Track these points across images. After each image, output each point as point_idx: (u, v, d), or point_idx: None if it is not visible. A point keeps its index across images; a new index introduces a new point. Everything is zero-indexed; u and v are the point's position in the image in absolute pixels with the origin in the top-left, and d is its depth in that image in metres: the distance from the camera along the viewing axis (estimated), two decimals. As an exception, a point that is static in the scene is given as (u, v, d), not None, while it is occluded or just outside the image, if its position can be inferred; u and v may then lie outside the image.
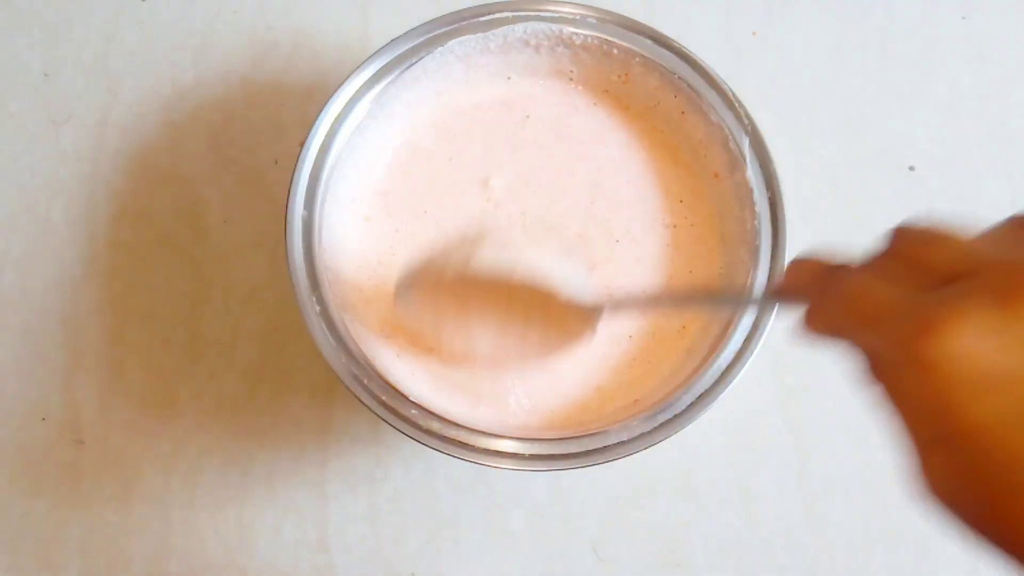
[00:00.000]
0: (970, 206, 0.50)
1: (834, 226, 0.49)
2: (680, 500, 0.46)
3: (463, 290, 0.36)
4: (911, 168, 0.51)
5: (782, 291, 0.26)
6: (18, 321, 0.46)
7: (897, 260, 0.21)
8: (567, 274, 0.35)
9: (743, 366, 0.38)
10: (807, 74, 0.53)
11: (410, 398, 0.37)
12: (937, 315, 0.18)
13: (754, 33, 0.53)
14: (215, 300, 0.47)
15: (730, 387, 0.38)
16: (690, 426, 0.37)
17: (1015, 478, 0.17)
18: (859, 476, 0.46)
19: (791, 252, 0.39)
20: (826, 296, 0.23)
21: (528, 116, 0.45)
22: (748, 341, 0.38)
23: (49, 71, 0.50)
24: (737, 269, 0.41)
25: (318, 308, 0.38)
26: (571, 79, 0.45)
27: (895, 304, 0.20)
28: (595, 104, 0.45)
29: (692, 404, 0.38)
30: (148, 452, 0.45)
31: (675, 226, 0.43)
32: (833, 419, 0.47)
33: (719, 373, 0.38)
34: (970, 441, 0.18)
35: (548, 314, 0.36)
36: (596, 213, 0.43)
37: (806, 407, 0.47)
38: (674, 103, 0.43)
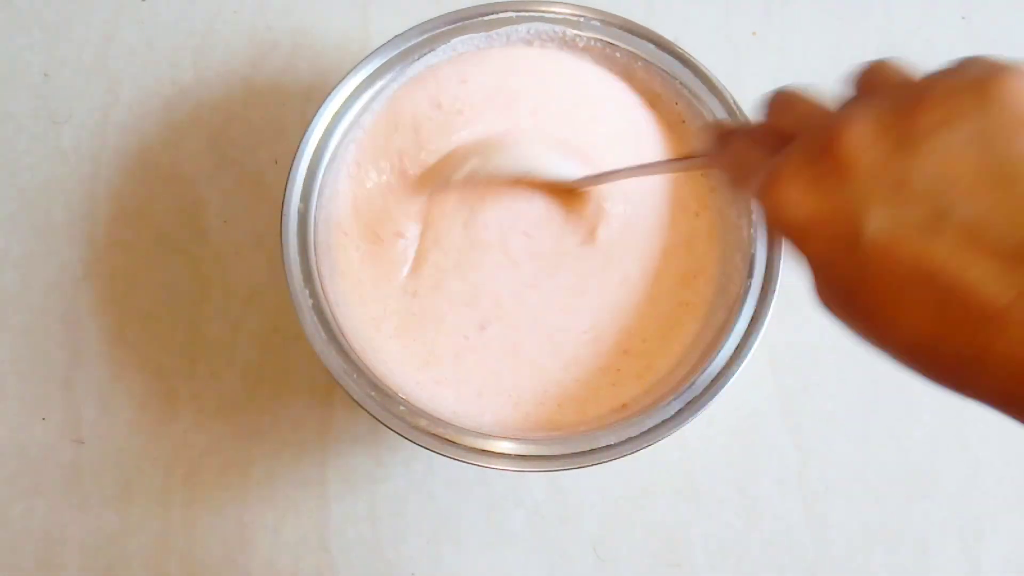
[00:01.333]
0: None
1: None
2: (680, 500, 0.46)
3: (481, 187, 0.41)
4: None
5: (699, 151, 0.32)
6: (18, 321, 0.46)
7: (773, 118, 0.27)
8: (551, 162, 0.41)
9: (737, 368, 0.38)
10: (807, 74, 0.53)
11: (399, 394, 0.37)
12: (777, 167, 0.23)
13: (754, 33, 0.53)
14: (215, 300, 0.47)
15: (724, 389, 0.38)
16: (690, 426, 0.37)
17: (849, 288, 0.23)
18: (859, 476, 0.46)
19: (786, 259, 0.39)
20: (723, 153, 0.29)
21: (527, 108, 0.44)
22: (742, 343, 0.38)
23: (49, 71, 0.50)
24: (731, 277, 0.41)
25: (311, 302, 0.38)
26: (572, 80, 0.45)
27: (754, 159, 0.26)
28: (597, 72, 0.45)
29: (685, 407, 0.37)
30: (148, 452, 0.45)
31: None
32: (833, 419, 0.47)
33: (713, 375, 0.38)
34: (812, 263, 0.23)
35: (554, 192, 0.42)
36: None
37: (806, 407, 0.47)
38: (675, 110, 0.43)
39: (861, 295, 0.22)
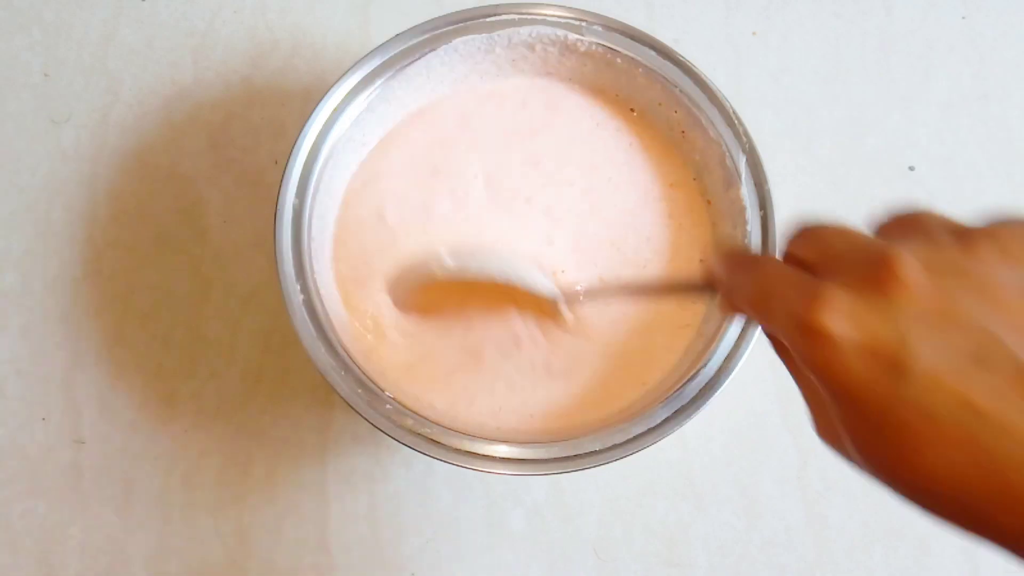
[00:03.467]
0: (970, 206, 0.50)
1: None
2: (680, 500, 0.46)
3: (447, 292, 0.39)
4: (911, 168, 0.51)
5: (712, 276, 0.30)
6: (18, 321, 0.46)
7: (801, 251, 0.26)
8: (528, 274, 0.39)
9: (727, 377, 0.38)
10: (807, 74, 0.53)
11: (387, 393, 0.37)
12: (822, 291, 0.23)
13: (754, 33, 0.53)
14: (215, 300, 0.47)
15: (719, 392, 0.38)
16: (690, 426, 0.37)
17: (881, 420, 0.22)
18: (859, 476, 0.46)
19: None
20: (742, 281, 0.27)
21: (525, 106, 0.45)
22: (737, 345, 0.38)
23: (49, 71, 0.50)
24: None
25: (301, 297, 0.38)
26: (572, 83, 0.45)
27: (793, 284, 0.24)
28: (595, 105, 0.45)
29: (672, 415, 0.37)
30: (148, 452, 0.45)
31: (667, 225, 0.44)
32: (833, 419, 0.47)
33: (703, 383, 0.38)
34: (844, 391, 0.22)
35: (527, 303, 0.40)
36: (588, 203, 0.43)
37: (806, 407, 0.47)
38: (675, 118, 0.43)
39: (891, 429, 0.22)
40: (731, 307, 0.29)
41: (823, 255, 0.25)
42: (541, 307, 0.40)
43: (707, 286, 0.32)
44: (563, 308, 0.39)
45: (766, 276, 0.26)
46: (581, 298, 0.40)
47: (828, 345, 0.22)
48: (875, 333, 0.22)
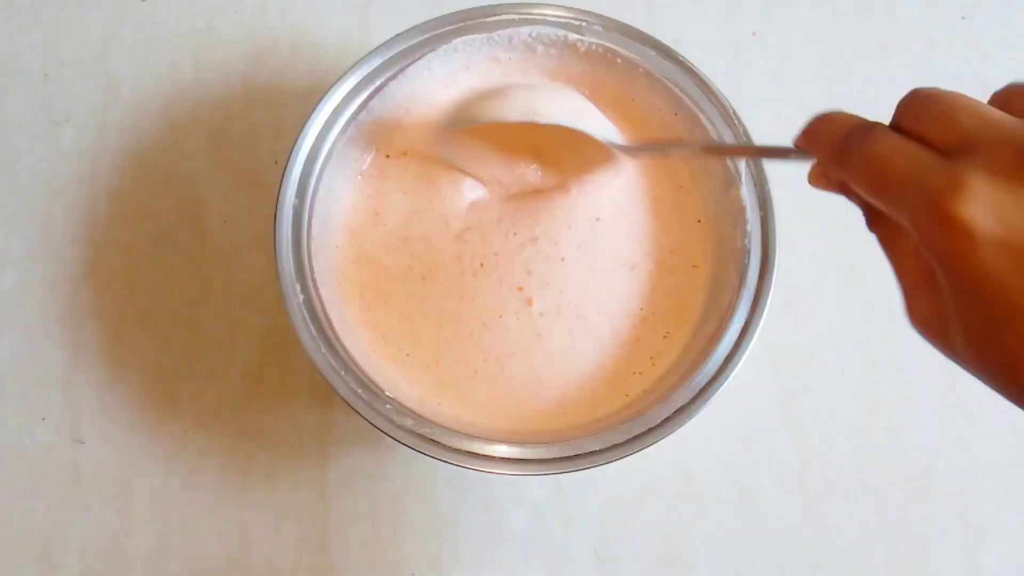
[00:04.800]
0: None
1: (834, 226, 0.49)
2: (680, 500, 0.46)
3: (499, 131, 0.39)
4: (911, 168, 0.51)
5: (807, 141, 0.28)
6: (18, 321, 0.46)
7: (921, 124, 0.24)
8: (584, 115, 0.39)
9: (727, 377, 0.38)
10: (807, 74, 0.53)
11: (386, 393, 0.37)
12: (962, 178, 0.21)
13: (754, 33, 0.53)
14: (215, 300, 0.47)
15: (717, 393, 0.37)
16: (690, 426, 0.37)
17: (1007, 316, 0.21)
18: (859, 476, 0.46)
19: (779, 273, 0.39)
20: (855, 151, 0.25)
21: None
22: (738, 343, 0.38)
23: (49, 71, 0.50)
24: (723, 288, 0.41)
25: (301, 297, 0.38)
26: (572, 82, 0.45)
27: (923, 165, 0.22)
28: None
29: (676, 412, 0.37)
30: (148, 452, 0.45)
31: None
32: (833, 419, 0.47)
33: (703, 384, 0.38)
34: (973, 284, 0.21)
35: (573, 141, 0.39)
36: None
37: (806, 407, 0.47)
38: (675, 120, 0.43)
39: (1016, 326, 0.21)
40: (828, 180, 0.27)
41: (956, 134, 0.23)
42: (588, 156, 0.40)
43: (799, 151, 0.29)
44: (616, 151, 0.39)
45: (891, 151, 0.23)
46: (637, 150, 0.40)
47: (965, 236, 0.21)
48: (1020, 226, 0.21)
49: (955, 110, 0.23)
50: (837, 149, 0.26)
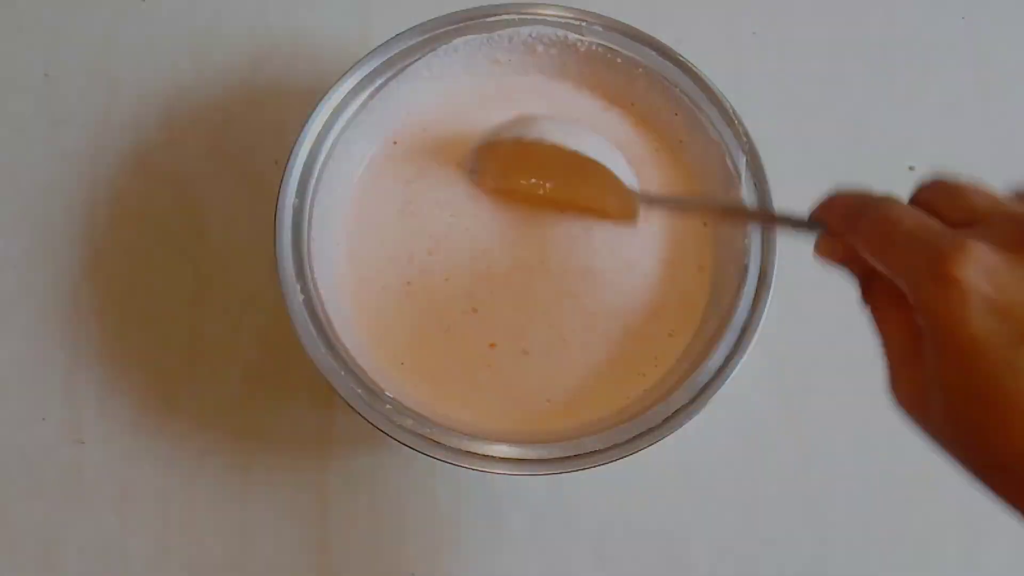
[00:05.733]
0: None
1: (834, 226, 0.49)
2: (680, 500, 0.46)
3: (530, 151, 0.40)
4: (911, 168, 0.51)
5: (824, 211, 0.29)
6: (18, 321, 0.46)
7: (935, 200, 0.25)
8: (614, 158, 0.40)
9: (732, 370, 0.38)
10: (807, 74, 0.53)
11: (387, 393, 0.37)
12: (966, 244, 0.22)
13: (754, 33, 0.53)
14: (215, 300, 0.47)
15: (718, 393, 0.37)
16: (689, 426, 0.37)
17: (985, 383, 0.22)
18: (859, 476, 0.46)
19: (780, 274, 0.39)
20: (869, 214, 0.26)
21: (525, 106, 0.44)
22: (739, 343, 0.38)
23: (49, 71, 0.50)
24: (724, 288, 0.41)
25: (302, 297, 0.38)
26: (572, 83, 0.45)
27: (931, 229, 0.24)
28: (594, 105, 0.45)
29: (676, 412, 0.37)
30: (148, 452, 0.45)
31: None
32: (833, 419, 0.47)
33: (703, 384, 0.38)
34: (957, 345, 0.22)
35: (598, 181, 0.40)
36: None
37: (806, 407, 0.47)
38: (675, 120, 0.43)
39: (992, 395, 0.22)
40: (834, 250, 0.28)
41: (965, 211, 0.24)
42: (606, 201, 0.41)
43: (809, 223, 0.31)
44: (637, 202, 0.40)
45: (902, 215, 0.25)
46: (657, 202, 0.41)
47: (957, 295, 0.22)
48: (1012, 295, 0.21)
49: (968, 191, 0.25)
50: (852, 213, 0.27)
